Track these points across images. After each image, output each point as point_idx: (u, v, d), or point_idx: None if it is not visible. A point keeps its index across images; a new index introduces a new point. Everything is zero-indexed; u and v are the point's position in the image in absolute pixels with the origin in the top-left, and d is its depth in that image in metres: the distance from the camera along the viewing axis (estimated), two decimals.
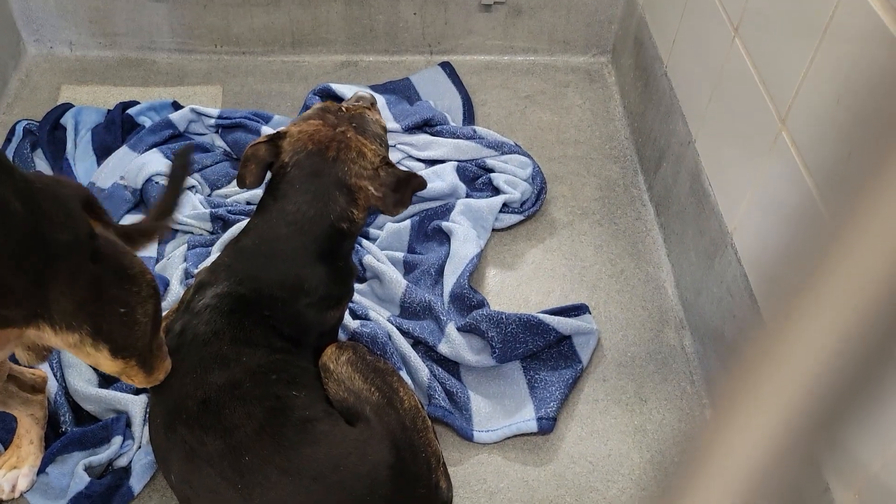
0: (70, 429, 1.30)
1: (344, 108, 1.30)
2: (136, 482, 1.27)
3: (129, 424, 1.32)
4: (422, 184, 1.26)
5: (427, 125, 1.83)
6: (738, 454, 0.35)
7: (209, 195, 1.72)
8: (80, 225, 0.95)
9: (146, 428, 1.30)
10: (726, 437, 0.36)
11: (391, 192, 1.23)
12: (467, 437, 1.35)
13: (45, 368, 1.32)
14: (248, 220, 1.60)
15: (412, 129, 1.82)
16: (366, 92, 1.41)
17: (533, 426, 1.36)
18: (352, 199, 1.22)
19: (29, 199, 0.86)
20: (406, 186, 1.24)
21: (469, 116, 1.92)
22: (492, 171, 1.76)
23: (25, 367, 1.20)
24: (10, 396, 1.18)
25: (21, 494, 1.25)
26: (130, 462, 1.28)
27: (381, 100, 1.89)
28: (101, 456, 1.26)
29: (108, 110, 1.85)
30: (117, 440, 1.29)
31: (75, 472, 1.24)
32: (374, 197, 1.23)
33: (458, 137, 1.80)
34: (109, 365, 1.01)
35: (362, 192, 1.22)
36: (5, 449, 1.28)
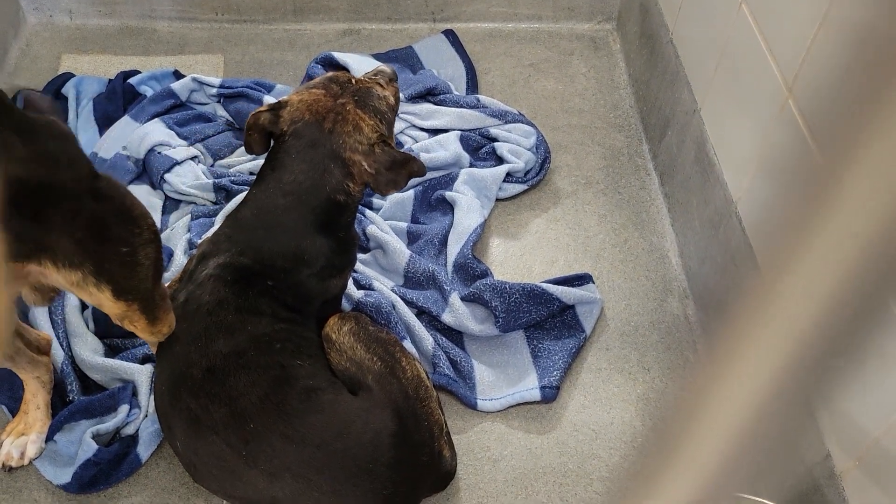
0: (77, 398, 1.31)
1: (352, 81, 1.27)
2: (144, 450, 1.28)
3: (135, 393, 1.33)
4: (420, 169, 1.23)
5: (430, 94, 1.82)
6: (733, 402, 0.35)
7: (212, 165, 1.71)
8: (80, 164, 0.95)
9: (152, 397, 1.31)
10: (720, 384, 0.36)
11: (385, 171, 1.20)
12: (471, 405, 1.36)
13: (52, 337, 1.33)
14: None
15: (415, 99, 1.81)
16: (388, 67, 1.37)
17: (536, 395, 1.37)
18: (347, 172, 1.20)
19: (31, 138, 0.87)
20: (401, 168, 1.21)
21: (472, 85, 1.90)
22: (495, 140, 1.75)
23: (32, 328, 1.21)
24: (17, 352, 1.19)
25: (30, 461, 1.26)
26: (137, 430, 1.30)
27: None
28: (108, 424, 1.28)
29: (110, 80, 1.84)
30: (124, 409, 1.30)
31: (83, 439, 1.25)
32: (366, 173, 1.20)
33: (461, 106, 1.78)
34: (112, 307, 1.02)
35: (356, 167, 1.20)
36: (13, 417, 1.30)
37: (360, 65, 1.85)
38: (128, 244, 1.00)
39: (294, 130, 1.21)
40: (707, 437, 0.37)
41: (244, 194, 1.58)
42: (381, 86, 1.30)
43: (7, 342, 1.15)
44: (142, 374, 1.33)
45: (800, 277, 0.30)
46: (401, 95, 1.79)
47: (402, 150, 1.26)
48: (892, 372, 0.91)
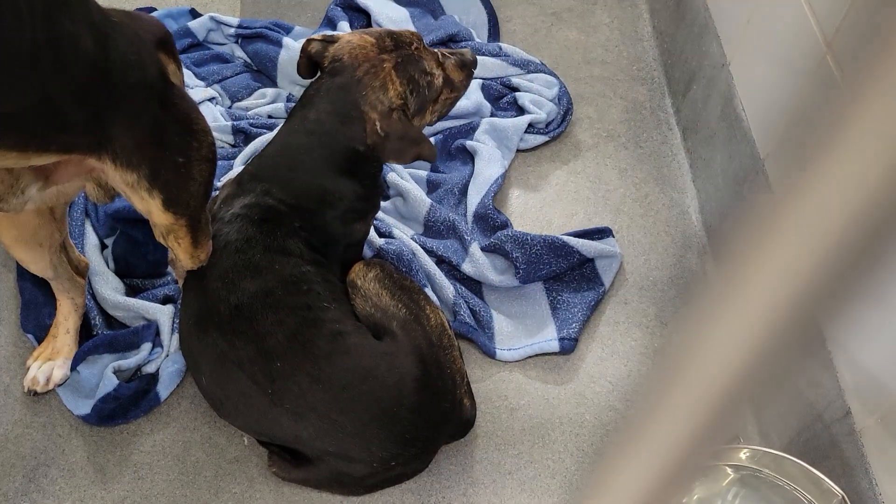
0: (102, 332, 1.32)
1: (414, 45, 1.23)
2: (164, 389, 1.29)
3: (157, 333, 1.33)
4: (430, 154, 1.21)
5: (452, 41, 1.79)
6: (740, 331, 0.34)
7: (229, 107, 1.69)
8: (150, 67, 0.96)
9: (174, 336, 1.32)
10: (727, 312, 0.35)
11: (394, 139, 1.18)
12: (490, 354, 1.37)
13: (88, 262, 1.34)
14: (269, 133, 1.60)
15: (436, 45, 1.78)
16: (471, 54, 1.32)
17: (555, 346, 1.37)
18: (361, 125, 1.19)
19: (102, 36, 0.88)
20: (411, 144, 1.19)
21: (494, 33, 1.87)
22: (517, 89, 1.72)
23: (94, 201, 1.25)
24: (62, 265, 1.22)
25: (55, 387, 1.28)
26: (158, 369, 1.31)
27: (404, 13, 1.84)
28: (130, 361, 1.29)
29: None
30: (146, 346, 1.31)
31: (105, 373, 1.26)
32: (376, 133, 1.17)
33: (483, 54, 1.75)
34: (161, 216, 1.02)
35: (370, 124, 1.18)
36: (38, 344, 1.31)
37: (383, 8, 1.82)
38: (184, 155, 1.01)
39: (332, 68, 1.20)
40: (709, 370, 0.36)
41: (266, 136, 1.58)
42: (440, 64, 1.26)
43: (54, 249, 1.18)
44: (164, 314, 1.34)
45: (815, 198, 0.29)
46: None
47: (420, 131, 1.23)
48: None
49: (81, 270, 1.29)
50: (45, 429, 1.27)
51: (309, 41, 1.24)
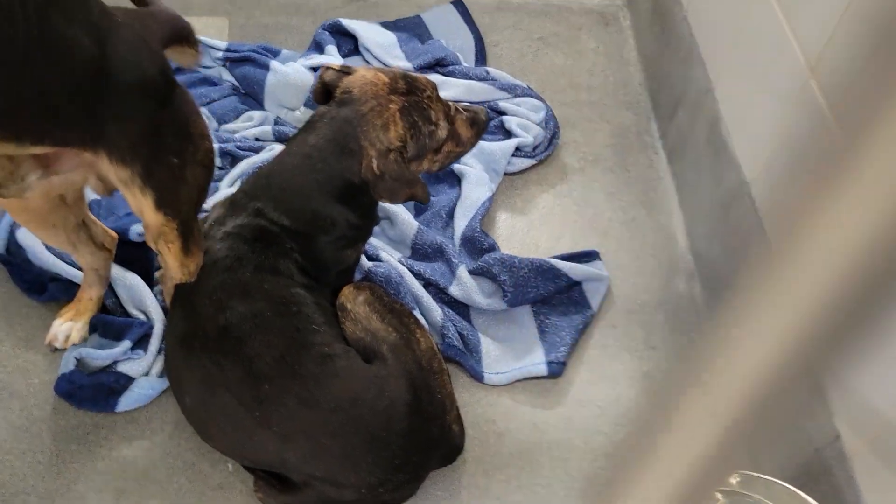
0: (111, 303, 1.38)
1: (428, 94, 1.23)
2: (125, 403, 1.28)
3: (146, 337, 1.34)
4: (423, 196, 1.21)
5: (439, 65, 1.80)
6: (737, 376, 0.34)
7: (216, 130, 1.69)
8: (150, 67, 0.98)
9: (159, 358, 1.30)
10: (724, 358, 0.35)
11: (389, 179, 1.17)
12: (478, 377, 1.36)
13: (116, 236, 1.37)
14: (255, 155, 1.60)
15: (424, 69, 1.79)
16: (484, 114, 1.32)
17: (543, 369, 1.37)
18: (358, 160, 1.18)
19: (100, 35, 0.90)
20: (405, 185, 1.19)
21: (481, 57, 1.88)
22: (504, 113, 1.73)
23: (98, 222, 1.29)
24: (81, 242, 1.25)
25: (71, 346, 1.33)
26: (130, 378, 1.29)
27: (391, 38, 1.85)
28: (100, 355, 1.29)
29: None
30: (125, 344, 1.31)
31: (64, 356, 1.30)
32: (371, 170, 1.17)
33: (470, 78, 1.76)
34: (152, 216, 1.04)
35: (366, 160, 1.18)
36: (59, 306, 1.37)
37: (369, 33, 1.83)
38: (180, 157, 1.02)
39: (341, 99, 1.21)
40: (708, 413, 0.36)
41: (252, 159, 1.58)
42: (449, 117, 1.26)
43: (70, 229, 1.22)
44: (160, 320, 1.34)
45: (811, 251, 0.29)
46: (409, 65, 1.77)
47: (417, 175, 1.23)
48: None
49: (107, 245, 1.31)
50: (25, 455, 1.25)
51: (326, 69, 1.26)
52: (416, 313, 1.36)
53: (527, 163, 1.68)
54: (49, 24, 0.83)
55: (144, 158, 0.98)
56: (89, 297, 1.34)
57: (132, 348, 1.32)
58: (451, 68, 1.78)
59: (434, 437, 1.14)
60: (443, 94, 1.75)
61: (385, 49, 1.81)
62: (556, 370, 1.37)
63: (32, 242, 1.39)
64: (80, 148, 0.96)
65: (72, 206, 1.20)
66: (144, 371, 1.31)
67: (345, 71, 1.25)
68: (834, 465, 1.05)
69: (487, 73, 1.78)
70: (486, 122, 1.33)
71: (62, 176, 1.04)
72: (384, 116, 1.18)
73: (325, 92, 1.26)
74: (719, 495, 1.07)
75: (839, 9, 1.07)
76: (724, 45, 1.44)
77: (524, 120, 1.70)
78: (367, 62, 1.81)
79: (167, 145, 1.01)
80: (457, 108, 1.29)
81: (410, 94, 1.21)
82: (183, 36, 1.07)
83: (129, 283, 1.38)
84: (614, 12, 2.03)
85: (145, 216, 1.05)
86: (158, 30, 1.04)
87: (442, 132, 1.24)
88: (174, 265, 1.11)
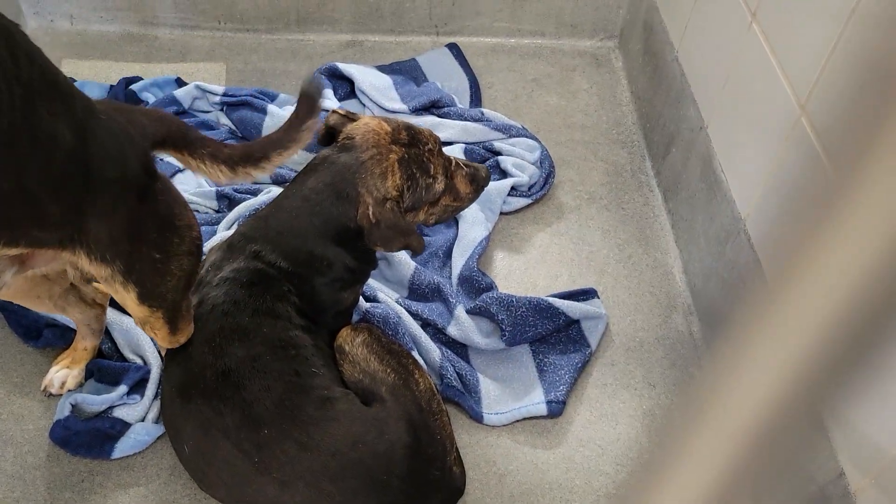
0: (107, 348, 1.37)
1: (426, 147, 1.24)
2: (120, 450, 1.26)
3: (142, 381, 1.33)
4: (418, 246, 1.22)
5: (434, 106, 1.82)
6: (736, 417, 0.34)
7: None
8: (132, 162, 0.96)
9: (156, 403, 1.29)
10: (723, 398, 0.35)
11: (384, 228, 1.18)
12: (477, 418, 1.35)
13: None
14: (252, 198, 1.60)
15: (419, 111, 1.80)
16: (485, 171, 1.34)
17: (542, 409, 1.36)
18: (354, 206, 1.19)
19: (82, 129, 0.88)
20: (399, 234, 1.19)
21: (476, 99, 1.90)
22: (499, 153, 1.75)
23: (74, 283, 1.26)
24: (69, 304, 1.25)
25: (67, 392, 1.33)
26: (127, 424, 1.28)
27: (387, 80, 1.88)
28: (94, 405, 1.28)
29: (111, 86, 1.82)
30: (122, 389, 1.30)
31: (59, 402, 1.30)
32: (367, 218, 1.18)
33: (465, 119, 1.78)
34: (135, 309, 1.02)
35: (362, 207, 1.18)
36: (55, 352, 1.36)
37: (365, 76, 1.85)
38: (162, 251, 0.99)
39: (343, 144, 1.22)
40: (709, 453, 0.36)
41: (249, 202, 1.58)
42: (448, 171, 1.27)
43: (55, 297, 1.21)
44: (157, 365, 1.34)
45: (808, 290, 0.30)
46: (405, 107, 1.79)
47: (413, 225, 1.24)
48: None
49: (99, 301, 1.30)
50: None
51: (332, 112, 1.28)
52: (415, 354, 1.36)
53: (523, 202, 1.69)
54: (35, 113, 0.81)
55: (125, 255, 0.96)
56: (84, 347, 1.34)
57: (128, 393, 1.31)
58: (446, 110, 1.80)
59: (435, 480, 1.13)
60: (438, 135, 1.77)
61: (381, 92, 1.83)
62: (556, 409, 1.36)
63: None
64: (57, 249, 0.93)
65: (55, 279, 1.17)
66: (141, 416, 1.29)
67: (350, 117, 1.26)
68: (838, 502, 1.04)
69: (482, 114, 1.80)
70: (487, 180, 1.34)
71: (40, 268, 1.02)
72: (383, 165, 1.19)
73: (329, 135, 1.27)
74: None
75: (828, 47, 1.09)
76: (716, 84, 1.46)
77: (519, 160, 1.72)
78: (364, 105, 1.83)
79: (150, 239, 0.98)
80: (457, 164, 1.30)
81: (412, 145, 1.22)
82: (178, 136, 1.04)
83: (125, 327, 1.37)
84: (606, 54, 2.06)
85: (129, 309, 1.03)
86: (149, 125, 1.01)
87: (439, 186, 1.25)
88: (162, 343, 1.11)
